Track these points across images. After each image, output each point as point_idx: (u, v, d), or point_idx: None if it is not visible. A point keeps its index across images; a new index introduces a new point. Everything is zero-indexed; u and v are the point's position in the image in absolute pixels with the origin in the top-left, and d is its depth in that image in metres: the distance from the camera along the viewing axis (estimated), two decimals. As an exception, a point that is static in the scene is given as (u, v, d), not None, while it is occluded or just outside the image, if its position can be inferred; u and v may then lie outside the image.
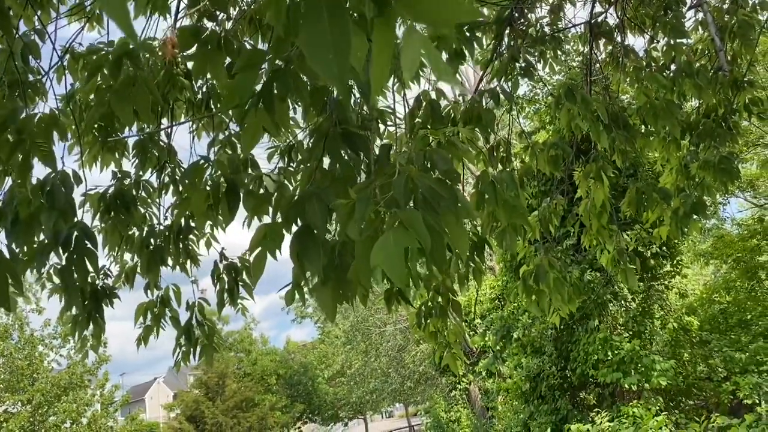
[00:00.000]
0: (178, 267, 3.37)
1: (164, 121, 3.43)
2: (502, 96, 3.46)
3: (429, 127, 3.41)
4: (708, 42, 4.32)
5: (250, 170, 2.78)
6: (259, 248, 1.63)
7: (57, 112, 2.18)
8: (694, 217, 4.13)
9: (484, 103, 3.45)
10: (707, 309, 10.46)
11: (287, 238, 1.77)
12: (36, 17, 2.84)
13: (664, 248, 9.43)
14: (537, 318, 9.84)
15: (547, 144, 3.65)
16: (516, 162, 4.13)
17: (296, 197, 1.65)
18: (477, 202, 2.82)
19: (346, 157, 1.79)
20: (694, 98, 4.11)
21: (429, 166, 1.67)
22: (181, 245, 3.22)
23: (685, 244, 10.71)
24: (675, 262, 10.13)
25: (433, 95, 3.51)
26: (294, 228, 1.73)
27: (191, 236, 3.21)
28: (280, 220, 1.70)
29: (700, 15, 3.93)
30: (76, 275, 2.14)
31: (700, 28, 4.44)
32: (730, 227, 11.77)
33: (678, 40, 3.78)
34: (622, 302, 9.68)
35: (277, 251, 1.69)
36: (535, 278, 3.38)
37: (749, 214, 11.89)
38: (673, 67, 3.87)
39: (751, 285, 10.60)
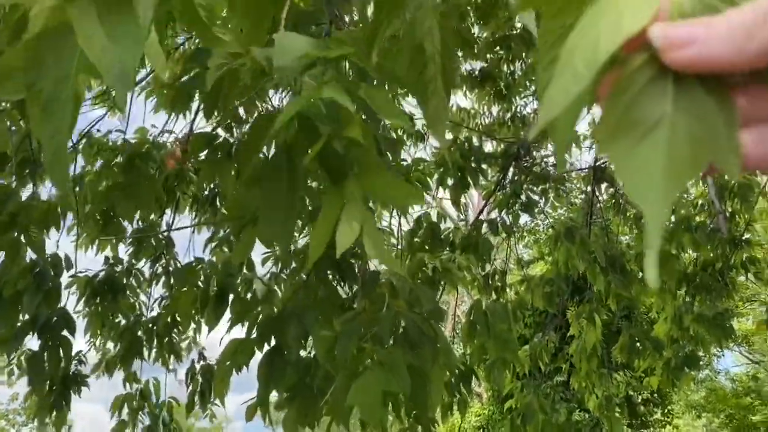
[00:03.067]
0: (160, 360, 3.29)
1: (167, 212, 3.47)
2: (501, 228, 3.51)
3: (427, 248, 3.43)
4: (708, 197, 4.42)
5: (244, 270, 2.78)
6: (228, 363, 1.60)
7: (57, 200, 2.20)
8: (686, 370, 4.06)
9: (483, 233, 3.48)
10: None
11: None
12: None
13: (656, 395, 9.19)
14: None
15: (543, 279, 3.65)
16: (511, 293, 4.11)
17: (275, 315, 1.64)
18: (468, 332, 2.78)
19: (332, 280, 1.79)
20: (692, 250, 4.15)
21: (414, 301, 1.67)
22: (165, 339, 3.16)
23: (677, 393, 10.45)
24: (666, 410, 9.84)
25: (435, 218, 3.56)
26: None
27: (175, 332, 3.15)
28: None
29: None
30: (47, 363, 2.08)
31: (700, 182, 4.56)
32: (724, 380, 11.53)
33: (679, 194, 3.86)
34: (610, 447, 9.30)
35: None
36: (522, 419, 3.27)
37: (744, 369, 11.69)
38: (672, 218, 3.94)
39: (743, 444, 10.22)
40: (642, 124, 0.27)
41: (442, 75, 0.85)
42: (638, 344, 3.92)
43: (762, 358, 11.49)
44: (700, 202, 4.49)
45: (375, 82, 1.41)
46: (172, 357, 3.11)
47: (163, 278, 3.38)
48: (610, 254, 3.64)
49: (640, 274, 4.00)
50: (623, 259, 3.69)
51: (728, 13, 0.27)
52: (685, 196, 4.01)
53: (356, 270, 1.82)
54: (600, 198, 4.38)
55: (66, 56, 0.62)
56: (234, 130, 2.15)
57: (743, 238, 4.08)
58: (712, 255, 4.02)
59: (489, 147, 3.90)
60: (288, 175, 1.02)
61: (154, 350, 3.01)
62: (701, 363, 4.98)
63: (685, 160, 0.27)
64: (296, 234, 2.87)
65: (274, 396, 1.73)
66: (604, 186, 4.29)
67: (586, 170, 4.28)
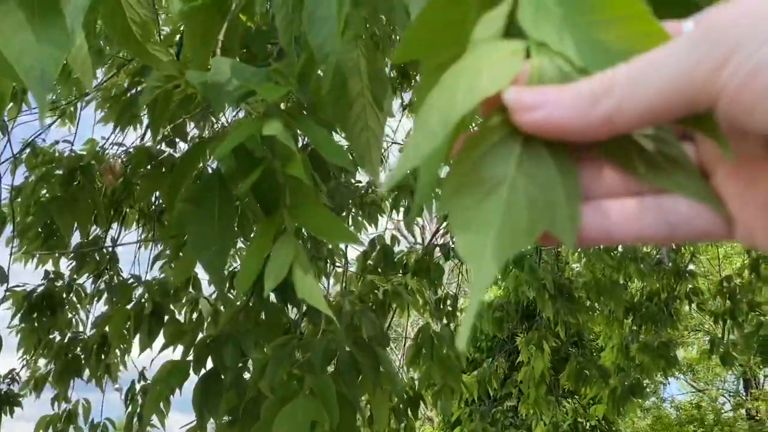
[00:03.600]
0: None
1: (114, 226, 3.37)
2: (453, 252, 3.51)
3: (380, 271, 3.42)
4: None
5: (191, 289, 2.71)
6: (158, 387, 1.54)
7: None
8: (632, 398, 4.12)
9: (436, 256, 3.48)
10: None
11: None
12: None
13: (603, 422, 9.30)
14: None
15: (493, 305, 3.66)
16: (461, 317, 4.11)
17: (212, 337, 1.59)
18: (412, 357, 2.77)
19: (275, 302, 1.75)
20: (638, 280, 4.23)
21: (358, 325, 1.65)
22: (100, 358, 3.05)
23: (623, 420, 10.60)
24: (613, 437, 9.95)
25: (388, 240, 3.55)
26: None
27: (116, 351, 3.05)
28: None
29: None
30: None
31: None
32: (670, 408, 11.75)
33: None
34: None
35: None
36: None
37: (688, 398, 11.94)
38: (620, 248, 4.01)
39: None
40: (485, 183, 0.27)
41: (373, 109, 0.84)
42: (586, 372, 3.96)
43: (705, 386, 11.77)
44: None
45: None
46: (106, 377, 3.01)
47: (105, 295, 3.28)
48: (558, 282, 3.68)
49: (588, 301, 4.07)
50: (571, 287, 3.74)
51: (580, 81, 0.27)
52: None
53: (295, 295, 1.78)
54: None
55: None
56: (178, 145, 2.11)
57: (687, 269, 4.19)
58: (657, 285, 4.11)
59: (444, 171, 3.91)
60: (221, 201, 0.99)
61: (88, 370, 2.90)
62: (647, 391, 5.06)
63: (522, 224, 0.27)
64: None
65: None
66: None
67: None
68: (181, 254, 1.67)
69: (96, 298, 3.28)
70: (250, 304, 1.92)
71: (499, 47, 0.29)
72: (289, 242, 0.84)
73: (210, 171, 1.10)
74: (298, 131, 1.05)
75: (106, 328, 2.67)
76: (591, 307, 4.04)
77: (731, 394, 11.97)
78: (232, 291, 2.90)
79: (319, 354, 1.31)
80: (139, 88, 2.04)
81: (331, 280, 3.35)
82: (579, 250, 4.02)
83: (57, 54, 0.61)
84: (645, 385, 4.24)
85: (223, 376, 1.59)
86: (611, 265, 3.66)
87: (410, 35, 0.34)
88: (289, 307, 2.15)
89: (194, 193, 1.02)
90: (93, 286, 3.34)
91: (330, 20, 0.63)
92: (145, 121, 2.85)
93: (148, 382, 3.09)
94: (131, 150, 2.83)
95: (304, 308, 1.98)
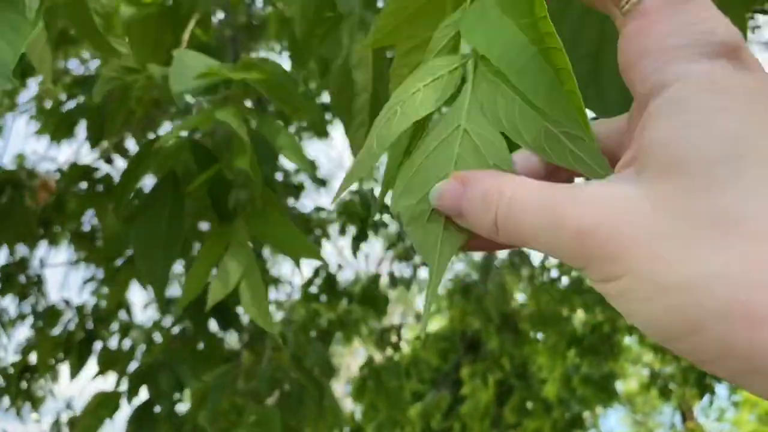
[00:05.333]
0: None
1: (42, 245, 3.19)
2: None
3: (324, 299, 3.34)
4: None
5: (124, 314, 2.57)
6: (87, 419, 1.43)
7: None
8: (572, 430, 4.14)
9: (381, 285, 3.44)
10: None
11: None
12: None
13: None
14: None
15: (438, 336, 3.63)
16: (406, 348, 4.06)
17: (146, 365, 1.49)
18: (359, 390, 2.70)
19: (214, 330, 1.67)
20: (582, 312, 4.29)
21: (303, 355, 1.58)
22: (22, 385, 2.86)
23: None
24: (553, 469, 10.02)
25: (333, 268, 3.48)
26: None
27: (36, 378, 2.86)
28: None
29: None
30: None
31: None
32: (608, 440, 11.93)
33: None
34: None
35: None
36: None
37: (627, 430, 12.16)
38: (564, 280, 4.07)
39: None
40: (429, 182, 0.29)
41: (372, 106, 0.80)
42: (528, 404, 3.96)
43: (644, 418, 12.03)
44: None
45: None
46: (29, 408, 2.81)
47: (31, 318, 3.09)
48: (503, 313, 3.68)
49: (532, 333, 4.09)
50: (516, 319, 3.75)
51: (486, 177, 0.28)
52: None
53: (242, 322, 1.70)
54: (496, 256, 4.46)
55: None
56: (115, 163, 2.01)
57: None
58: (600, 318, 4.17)
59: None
60: (171, 207, 0.92)
61: (7, 397, 2.71)
62: (587, 423, 5.12)
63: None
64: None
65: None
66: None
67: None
68: (115, 276, 1.56)
69: (20, 322, 3.09)
70: (186, 331, 1.82)
71: (438, 66, 0.31)
72: (241, 252, 0.78)
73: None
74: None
75: (30, 354, 2.50)
76: (535, 338, 4.06)
77: (669, 426, 12.27)
78: (166, 316, 2.77)
79: (266, 383, 1.23)
80: (77, 100, 1.94)
81: (272, 307, 3.26)
82: (524, 282, 4.05)
83: (17, 42, 0.54)
84: (585, 417, 4.28)
85: (157, 407, 1.50)
86: (556, 298, 3.70)
87: (384, 21, 0.35)
88: (228, 333, 2.06)
89: (142, 199, 0.94)
90: (17, 309, 3.14)
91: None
92: (81, 135, 2.73)
93: (74, 412, 2.91)
94: (63, 167, 2.70)
95: (246, 335, 1.89)
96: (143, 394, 1.60)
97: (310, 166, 0.82)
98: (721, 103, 0.22)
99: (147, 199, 0.90)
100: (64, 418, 3.00)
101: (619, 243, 0.22)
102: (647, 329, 0.23)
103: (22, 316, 3.06)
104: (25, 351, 2.15)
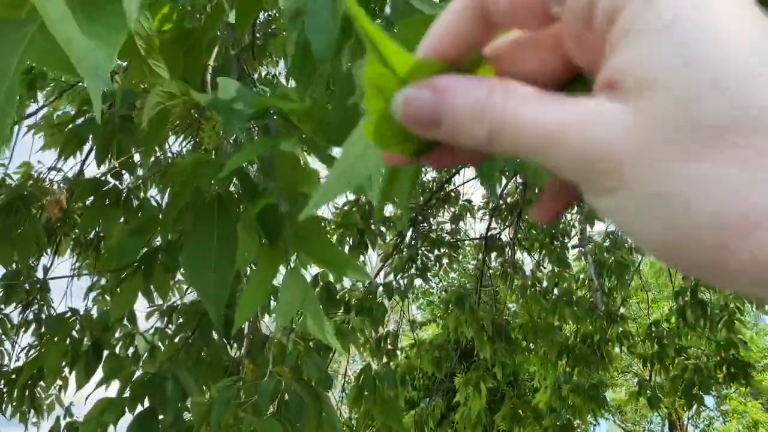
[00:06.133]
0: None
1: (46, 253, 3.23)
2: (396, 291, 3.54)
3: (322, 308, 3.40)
4: (588, 273, 4.69)
5: (126, 323, 2.62)
6: (90, 425, 1.49)
7: None
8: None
9: (378, 296, 3.50)
10: None
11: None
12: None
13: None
14: None
15: (433, 344, 3.70)
16: (401, 356, 4.13)
17: (150, 374, 1.55)
18: (355, 398, 2.76)
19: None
20: (572, 323, 4.36)
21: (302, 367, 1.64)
22: (26, 392, 2.90)
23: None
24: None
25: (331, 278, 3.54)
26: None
27: (41, 385, 2.91)
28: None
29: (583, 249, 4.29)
30: None
31: (582, 258, 4.85)
32: (599, 448, 11.98)
33: (562, 269, 4.09)
34: None
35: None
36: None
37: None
38: (555, 291, 4.14)
39: None
40: None
41: None
42: (520, 413, 4.02)
43: (633, 427, 12.08)
44: (581, 276, 4.76)
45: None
46: (32, 412, 2.86)
47: (33, 326, 3.13)
48: (497, 322, 3.75)
49: (524, 342, 4.16)
50: (509, 328, 3.81)
51: (471, 82, 0.27)
52: (568, 270, 4.24)
53: (244, 331, 1.77)
54: (490, 266, 4.54)
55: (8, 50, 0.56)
56: (123, 177, 2.08)
57: (619, 313, 4.35)
58: (591, 328, 4.24)
59: (389, 210, 3.98)
60: (220, 231, 0.94)
61: (13, 404, 2.76)
62: (579, 431, 5.17)
63: None
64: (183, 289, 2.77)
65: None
66: (494, 255, 4.46)
67: (478, 240, 4.45)
68: (119, 288, 1.62)
69: (23, 329, 3.13)
70: (191, 341, 1.88)
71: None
72: (299, 279, 0.82)
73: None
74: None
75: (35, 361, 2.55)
76: (527, 348, 4.13)
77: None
78: (170, 326, 2.83)
79: (267, 396, 1.30)
80: (87, 116, 2.01)
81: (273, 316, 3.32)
82: (516, 291, 4.11)
83: (109, 49, 0.56)
84: (576, 425, 4.34)
85: (161, 416, 1.55)
86: (547, 308, 3.77)
87: None
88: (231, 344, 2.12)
89: (190, 217, 0.97)
90: (21, 316, 3.19)
91: (326, 29, 0.64)
92: (86, 148, 2.79)
93: (75, 418, 2.95)
94: (70, 177, 2.75)
95: (245, 347, 1.95)
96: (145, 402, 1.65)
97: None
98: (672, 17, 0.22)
99: (193, 222, 0.92)
100: (63, 423, 3.04)
101: (615, 156, 0.22)
102: (644, 244, 0.23)
103: (25, 324, 3.11)
104: (35, 361, 2.20)
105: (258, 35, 2.65)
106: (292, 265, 0.87)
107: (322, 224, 0.94)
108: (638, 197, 0.22)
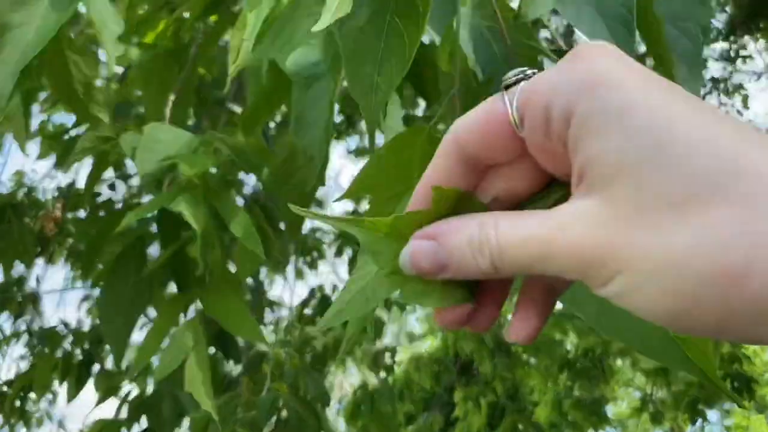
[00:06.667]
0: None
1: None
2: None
3: (319, 320, 3.36)
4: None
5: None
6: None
7: None
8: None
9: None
10: None
11: None
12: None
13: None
14: None
15: (432, 359, 3.65)
16: (399, 370, 4.08)
17: (148, 393, 1.51)
18: (352, 413, 2.72)
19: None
20: (574, 336, 4.32)
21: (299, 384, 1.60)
22: (16, 404, 2.85)
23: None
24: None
25: (330, 288, 3.50)
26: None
27: (30, 397, 2.86)
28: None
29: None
30: None
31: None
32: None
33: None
34: None
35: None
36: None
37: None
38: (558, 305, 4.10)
39: None
40: None
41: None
42: (520, 427, 3.97)
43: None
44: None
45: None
46: (22, 426, 2.80)
47: (25, 336, 3.09)
48: (497, 336, 3.71)
49: (525, 355, 4.11)
50: (509, 342, 3.78)
51: (457, 225, 0.30)
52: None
53: (238, 346, 1.72)
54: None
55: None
56: (117, 187, 2.04)
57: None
58: (592, 342, 4.20)
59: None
60: (136, 269, 0.97)
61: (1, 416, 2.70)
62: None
63: None
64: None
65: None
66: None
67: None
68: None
69: (15, 340, 3.09)
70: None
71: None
72: (191, 330, 0.82)
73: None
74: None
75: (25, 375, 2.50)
76: (527, 361, 4.08)
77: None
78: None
79: (265, 411, 1.26)
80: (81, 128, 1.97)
81: (270, 327, 3.27)
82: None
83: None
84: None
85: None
86: (548, 322, 3.73)
87: (363, 175, 0.41)
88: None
89: (109, 262, 0.98)
90: (12, 326, 3.14)
91: (318, 125, 0.63)
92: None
93: (67, 432, 2.90)
94: (62, 184, 2.72)
95: (243, 363, 1.91)
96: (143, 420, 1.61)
97: (262, 254, 0.85)
98: (619, 103, 0.24)
99: (113, 266, 0.95)
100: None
101: (601, 249, 0.24)
102: (656, 318, 0.24)
103: (17, 335, 3.07)
104: (25, 374, 2.15)
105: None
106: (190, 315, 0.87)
107: (234, 280, 0.94)
108: (635, 277, 0.24)
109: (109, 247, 1.03)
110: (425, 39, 0.80)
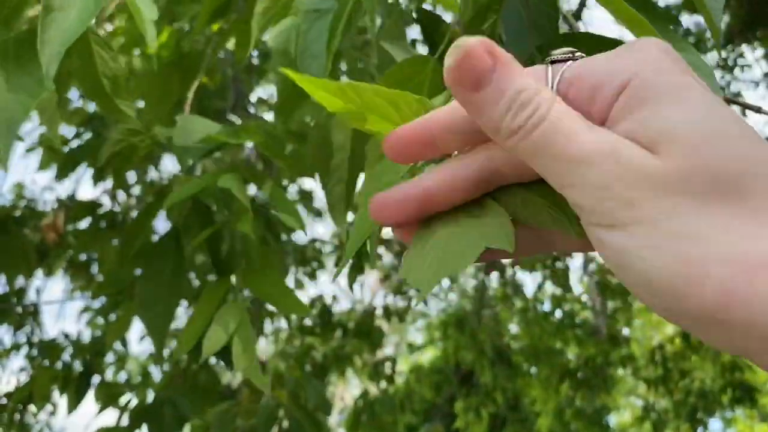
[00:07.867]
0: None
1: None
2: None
3: (318, 331, 3.35)
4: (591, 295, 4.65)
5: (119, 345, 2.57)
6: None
7: None
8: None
9: (376, 317, 3.46)
10: None
11: None
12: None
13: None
14: None
15: (432, 369, 3.64)
16: (400, 380, 4.07)
17: (149, 402, 1.51)
18: (353, 424, 2.71)
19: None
20: (575, 346, 4.31)
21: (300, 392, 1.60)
22: (16, 416, 2.84)
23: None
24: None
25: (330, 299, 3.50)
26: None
27: (29, 409, 2.85)
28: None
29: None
30: None
31: (585, 279, 4.81)
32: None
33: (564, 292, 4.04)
34: None
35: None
36: None
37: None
38: (558, 313, 4.09)
39: None
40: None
41: (351, 162, 0.84)
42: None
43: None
44: (584, 297, 4.72)
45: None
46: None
47: (25, 348, 3.08)
48: (497, 346, 3.70)
49: (525, 365, 4.10)
50: (509, 352, 3.76)
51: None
52: (569, 292, 4.20)
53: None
54: (489, 287, 4.49)
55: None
56: (118, 198, 2.04)
57: (622, 335, 4.30)
58: (593, 351, 4.19)
59: (386, 232, 3.94)
60: (174, 264, 0.98)
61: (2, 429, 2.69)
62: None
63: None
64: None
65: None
66: (494, 275, 4.42)
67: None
68: (116, 312, 1.59)
69: (15, 351, 3.08)
70: (188, 366, 1.83)
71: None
72: (235, 310, 0.82)
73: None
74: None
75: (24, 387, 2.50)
76: (528, 371, 4.07)
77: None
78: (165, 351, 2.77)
79: (264, 420, 1.26)
80: (82, 140, 1.98)
81: (270, 338, 3.27)
82: (517, 314, 4.07)
83: (27, 101, 0.58)
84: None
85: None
86: (549, 331, 3.72)
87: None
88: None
89: (147, 248, 0.99)
90: (13, 338, 3.13)
91: (320, 57, 0.63)
92: (81, 170, 2.76)
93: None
94: (62, 196, 2.72)
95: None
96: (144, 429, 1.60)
97: (302, 224, 0.86)
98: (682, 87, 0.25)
99: (150, 255, 0.95)
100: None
101: (643, 189, 0.24)
102: (648, 281, 0.24)
103: (16, 346, 3.06)
104: (25, 386, 2.15)
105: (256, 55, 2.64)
106: (234, 297, 0.88)
107: (271, 258, 0.95)
108: (657, 233, 0.23)
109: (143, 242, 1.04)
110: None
